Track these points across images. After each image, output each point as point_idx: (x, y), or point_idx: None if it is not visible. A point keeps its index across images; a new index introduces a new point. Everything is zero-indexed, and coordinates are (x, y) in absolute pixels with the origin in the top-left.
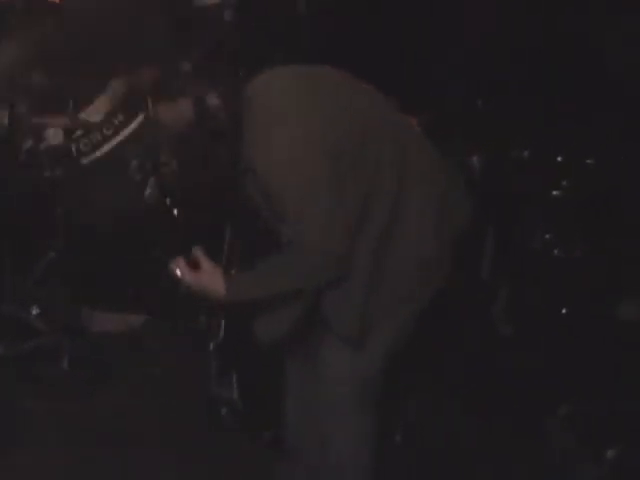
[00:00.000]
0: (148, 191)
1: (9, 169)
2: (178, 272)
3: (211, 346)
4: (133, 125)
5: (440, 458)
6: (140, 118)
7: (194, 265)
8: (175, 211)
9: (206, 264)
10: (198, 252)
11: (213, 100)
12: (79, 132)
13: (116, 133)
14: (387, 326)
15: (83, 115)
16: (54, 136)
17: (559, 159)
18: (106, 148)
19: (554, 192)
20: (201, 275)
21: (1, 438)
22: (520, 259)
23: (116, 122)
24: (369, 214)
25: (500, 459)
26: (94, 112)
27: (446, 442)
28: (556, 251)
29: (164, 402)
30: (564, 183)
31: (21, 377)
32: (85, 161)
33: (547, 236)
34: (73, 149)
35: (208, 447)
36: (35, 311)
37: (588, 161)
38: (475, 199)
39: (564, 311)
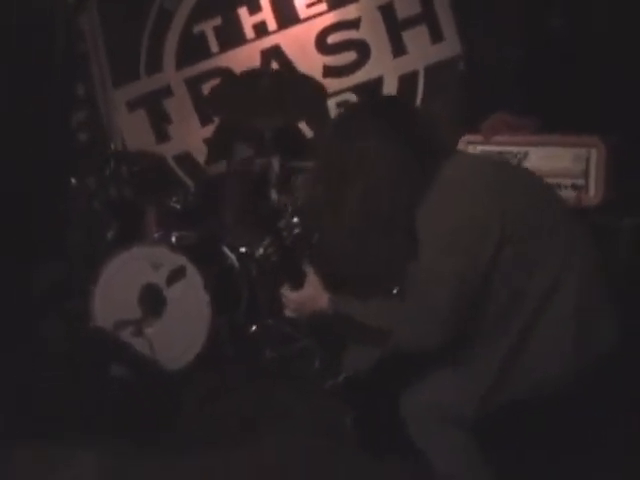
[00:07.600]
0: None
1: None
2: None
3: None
4: None
5: None
6: None
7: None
8: None
9: (312, 277)
10: (308, 268)
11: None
12: None
13: None
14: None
15: None
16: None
17: None
18: None
19: None
20: (306, 288)
21: (255, 428)
22: None
23: None
24: (509, 314)
25: None
26: None
27: None
28: None
29: None
30: None
31: (281, 375)
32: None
33: None
34: None
35: None
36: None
37: None
38: None
39: None
